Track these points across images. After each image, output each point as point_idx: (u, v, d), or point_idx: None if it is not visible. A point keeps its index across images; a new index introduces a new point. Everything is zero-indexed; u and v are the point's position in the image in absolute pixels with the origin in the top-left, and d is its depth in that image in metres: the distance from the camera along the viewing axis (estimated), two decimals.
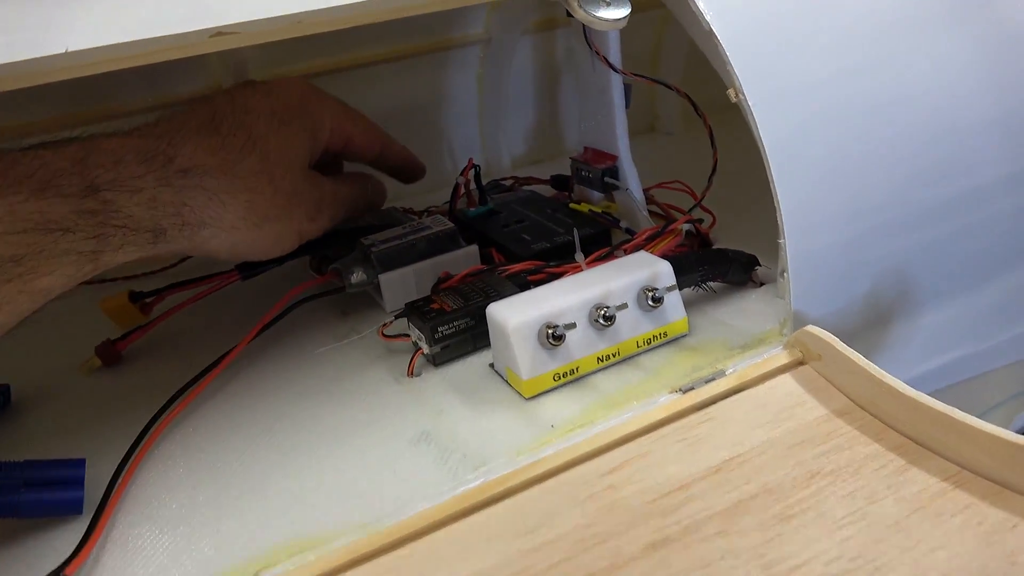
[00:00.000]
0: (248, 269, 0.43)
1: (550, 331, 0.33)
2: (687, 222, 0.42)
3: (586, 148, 0.48)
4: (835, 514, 0.27)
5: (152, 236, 0.33)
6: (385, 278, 0.42)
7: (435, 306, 0.38)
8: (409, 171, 0.48)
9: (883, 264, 0.36)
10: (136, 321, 0.44)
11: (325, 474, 0.32)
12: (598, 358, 0.35)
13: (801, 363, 0.33)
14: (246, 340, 0.39)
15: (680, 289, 0.36)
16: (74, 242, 0.30)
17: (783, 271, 0.36)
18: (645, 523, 0.27)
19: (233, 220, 0.36)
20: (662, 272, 0.35)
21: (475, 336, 0.38)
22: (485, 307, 0.35)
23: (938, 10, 0.38)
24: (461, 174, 0.48)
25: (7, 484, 0.30)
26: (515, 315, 0.33)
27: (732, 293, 0.40)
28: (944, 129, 0.37)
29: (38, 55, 0.26)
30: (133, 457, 0.33)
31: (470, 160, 0.48)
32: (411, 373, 0.37)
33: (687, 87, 0.44)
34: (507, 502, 0.29)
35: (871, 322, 0.37)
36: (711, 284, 0.39)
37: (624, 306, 0.34)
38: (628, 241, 0.41)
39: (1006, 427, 0.27)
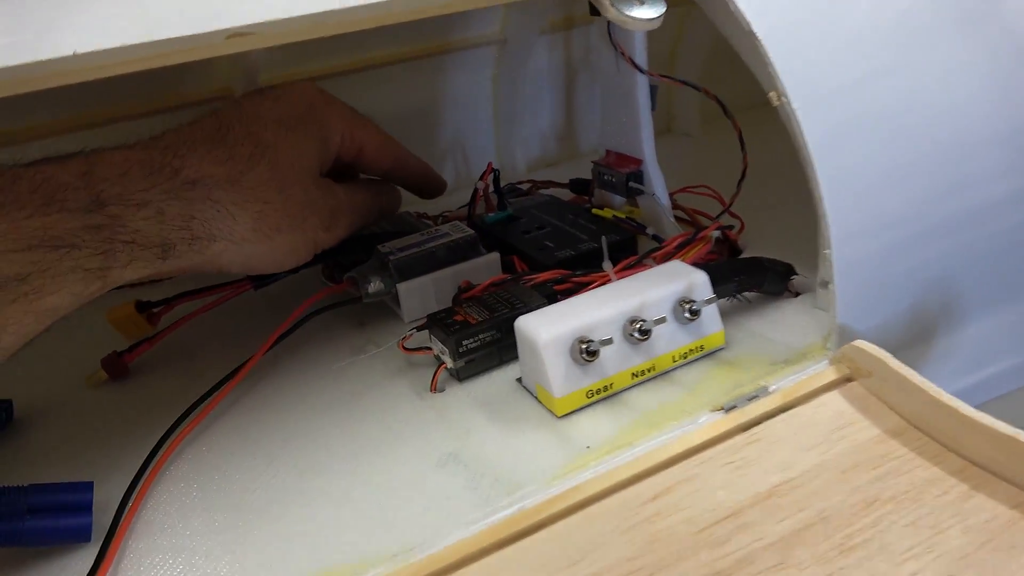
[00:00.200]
0: (260, 278, 0.42)
1: (583, 346, 0.31)
2: (717, 228, 0.41)
3: (608, 151, 0.47)
4: (899, 546, 0.25)
5: (161, 251, 0.31)
6: (404, 287, 0.40)
7: (459, 318, 0.36)
8: (428, 186, 0.47)
9: (928, 273, 0.35)
10: (143, 332, 0.42)
11: (348, 498, 0.30)
12: (632, 374, 0.33)
13: (849, 380, 0.32)
14: (260, 352, 0.37)
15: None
16: (80, 259, 0.29)
17: (825, 281, 0.34)
18: (695, 555, 0.25)
19: (243, 232, 0.34)
20: (699, 283, 0.34)
21: (501, 349, 0.36)
22: (512, 319, 0.34)
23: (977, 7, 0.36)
24: (480, 179, 0.46)
25: (10, 511, 0.28)
26: (546, 329, 0.32)
27: (767, 304, 0.38)
28: (989, 131, 0.35)
29: (42, 58, 0.24)
30: (144, 479, 0.32)
31: (489, 164, 0.46)
32: (434, 389, 0.35)
33: (710, 79, 0.43)
34: (545, 532, 0.27)
35: (915, 335, 0.35)
36: (745, 294, 0.38)
37: (663, 320, 0.32)
38: (657, 249, 0.39)
39: None
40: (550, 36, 0.58)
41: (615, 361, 0.33)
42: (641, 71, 0.42)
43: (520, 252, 0.43)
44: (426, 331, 0.37)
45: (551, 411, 0.33)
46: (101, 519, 0.30)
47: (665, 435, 0.30)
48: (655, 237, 0.43)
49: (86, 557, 0.28)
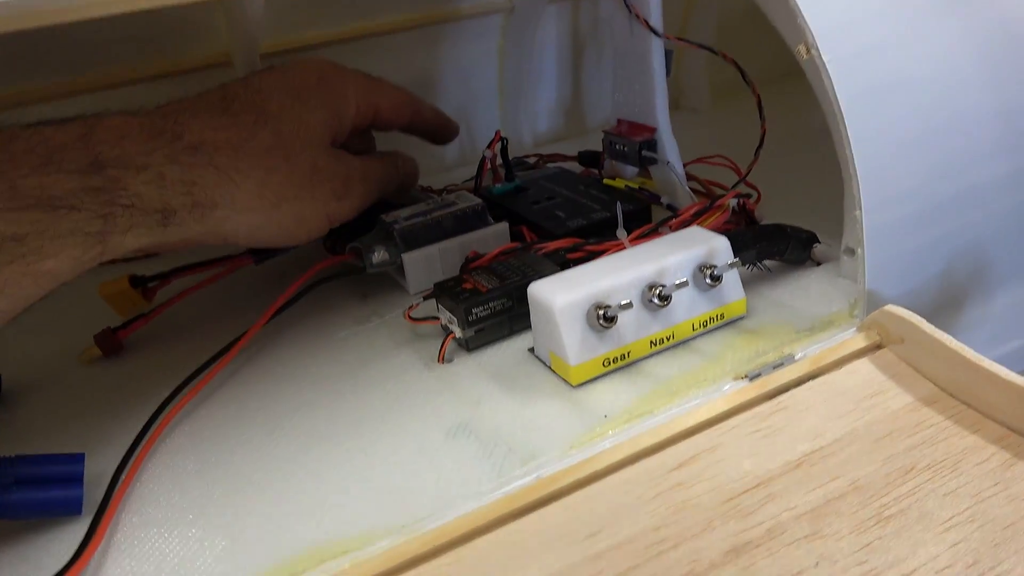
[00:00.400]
0: (261, 252, 0.40)
1: (600, 312, 0.30)
2: (734, 196, 0.39)
3: (620, 120, 0.45)
4: (939, 515, 0.23)
5: (161, 217, 0.30)
6: (409, 257, 0.39)
7: (467, 286, 0.34)
8: (442, 131, 0.46)
9: (959, 240, 0.33)
10: (138, 308, 0.40)
11: (353, 469, 0.28)
12: (651, 342, 0.32)
13: (879, 346, 0.30)
14: (260, 323, 0.36)
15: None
16: (79, 221, 0.28)
17: (851, 249, 0.32)
18: (723, 525, 0.24)
19: (247, 200, 0.33)
20: (720, 248, 0.32)
21: (512, 319, 0.34)
22: (523, 287, 0.32)
23: None
24: (488, 147, 0.45)
25: None
26: (561, 294, 0.30)
27: (789, 273, 0.37)
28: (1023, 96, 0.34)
29: None
30: (138, 451, 0.30)
31: (497, 132, 0.45)
32: (442, 359, 0.34)
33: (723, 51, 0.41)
34: (563, 501, 0.25)
35: (944, 303, 0.34)
36: (766, 263, 0.36)
37: (684, 284, 0.30)
38: (673, 217, 0.38)
39: None
40: (558, 5, 0.56)
41: (633, 329, 0.31)
42: (657, 34, 0.40)
43: (529, 222, 0.41)
44: (433, 301, 0.35)
45: (566, 380, 0.31)
46: (93, 492, 0.28)
47: (687, 403, 0.29)
48: (670, 207, 0.42)
49: (77, 530, 0.27)
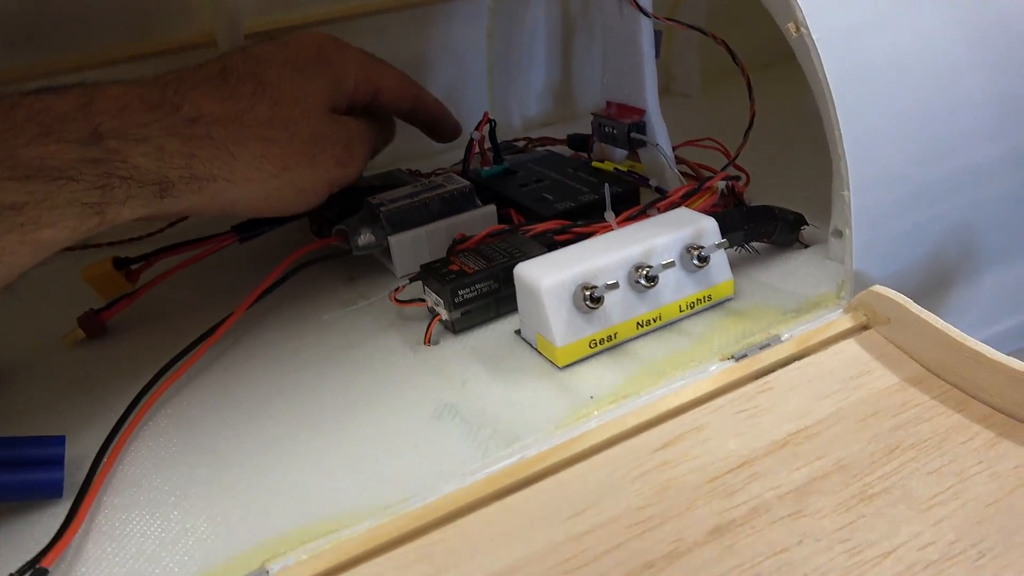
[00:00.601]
0: (245, 230, 0.40)
1: (587, 292, 0.30)
2: (723, 179, 0.39)
3: (609, 103, 0.45)
4: (923, 493, 0.23)
5: (159, 189, 0.30)
6: (395, 240, 0.38)
7: (454, 267, 0.34)
8: (444, 127, 0.45)
9: (947, 220, 0.33)
10: (121, 290, 0.40)
11: (337, 451, 0.28)
12: (637, 323, 0.31)
13: (866, 327, 0.30)
14: (245, 305, 0.35)
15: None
16: (77, 192, 0.28)
17: (839, 230, 0.32)
18: (707, 504, 0.24)
19: (245, 171, 0.33)
20: (707, 229, 0.32)
21: (499, 301, 0.34)
22: (510, 269, 0.32)
23: None
24: (476, 128, 0.44)
25: None
26: (548, 275, 0.30)
27: (777, 255, 0.37)
28: (1016, 77, 0.34)
29: None
30: (120, 434, 0.30)
31: (485, 114, 0.44)
32: (428, 341, 0.34)
33: (708, 41, 0.41)
34: (548, 481, 0.25)
35: (931, 285, 0.34)
36: (754, 245, 0.36)
37: (671, 264, 0.30)
38: (661, 199, 0.38)
39: None
40: None
41: (620, 310, 0.31)
42: (646, 14, 0.40)
43: (517, 205, 0.41)
44: (419, 283, 0.35)
45: (552, 362, 0.31)
46: (74, 475, 0.28)
47: (673, 384, 0.29)
48: (658, 189, 0.42)
49: (58, 513, 0.26)
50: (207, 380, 0.34)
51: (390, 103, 0.41)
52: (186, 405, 0.32)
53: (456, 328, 0.34)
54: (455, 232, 0.39)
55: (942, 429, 0.26)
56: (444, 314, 0.34)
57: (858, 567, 0.21)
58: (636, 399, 0.28)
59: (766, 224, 0.36)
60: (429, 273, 0.34)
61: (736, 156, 0.40)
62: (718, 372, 0.29)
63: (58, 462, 0.28)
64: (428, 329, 0.34)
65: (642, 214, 0.37)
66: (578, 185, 0.42)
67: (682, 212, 0.34)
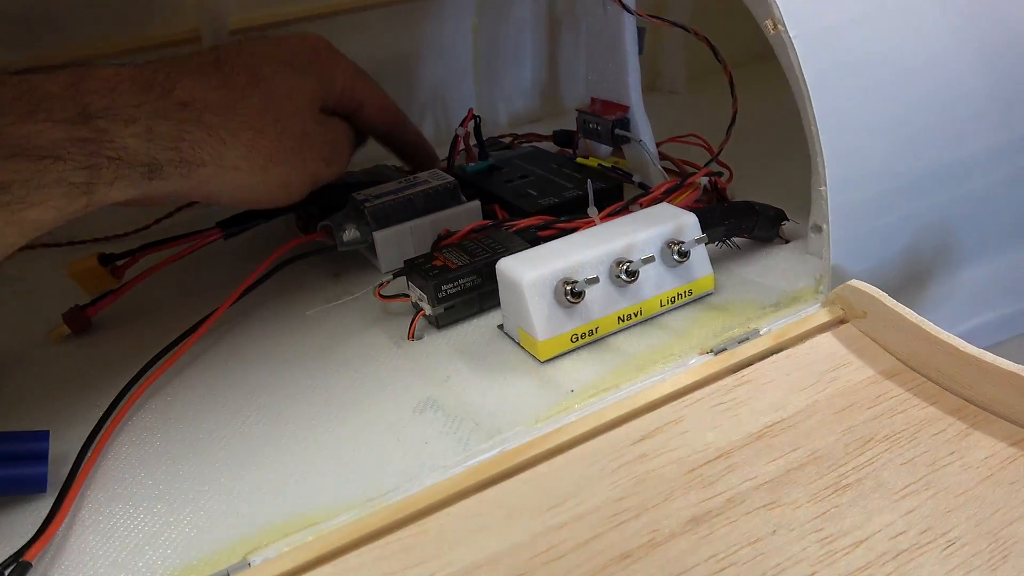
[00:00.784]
0: (231, 226, 0.40)
1: (568, 287, 0.30)
2: (705, 175, 0.39)
3: (593, 99, 0.45)
4: (896, 483, 0.24)
5: (147, 171, 0.30)
6: (380, 236, 0.39)
7: (438, 263, 0.34)
8: (420, 154, 0.46)
9: (924, 217, 0.33)
10: (106, 286, 0.40)
11: (320, 445, 0.28)
12: (619, 318, 0.32)
13: (843, 321, 0.31)
14: (229, 301, 0.35)
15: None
16: (65, 172, 0.27)
17: (818, 226, 0.33)
18: (684, 495, 0.24)
19: (234, 160, 0.33)
20: (688, 224, 0.32)
21: (482, 296, 0.34)
22: (493, 264, 0.32)
23: None
24: (461, 125, 0.44)
25: None
26: (529, 270, 0.30)
27: (757, 250, 0.37)
28: (993, 76, 0.34)
29: None
30: (104, 429, 0.30)
31: (470, 111, 0.44)
32: (412, 336, 0.34)
33: (694, 38, 0.41)
34: (527, 474, 0.26)
35: (909, 279, 0.34)
36: (735, 240, 0.37)
37: (651, 259, 0.30)
38: (643, 195, 0.38)
39: None
40: None
41: (601, 304, 0.31)
42: (629, 11, 0.40)
43: (502, 200, 0.41)
44: (403, 279, 0.35)
45: (534, 356, 0.31)
46: (58, 470, 0.28)
47: (652, 378, 0.29)
48: (641, 185, 0.42)
49: (41, 507, 0.27)
50: (191, 376, 0.34)
51: (370, 120, 0.41)
52: (170, 400, 0.32)
53: (440, 323, 0.34)
54: (439, 228, 0.39)
55: (916, 421, 0.26)
56: (428, 309, 0.34)
57: (830, 556, 0.22)
58: (616, 392, 0.29)
59: (746, 220, 0.36)
60: (413, 269, 0.35)
61: (719, 152, 0.40)
62: (697, 365, 0.29)
63: (42, 457, 0.28)
64: (412, 324, 0.34)
65: (624, 210, 0.37)
66: (562, 181, 0.42)
67: (663, 208, 0.34)
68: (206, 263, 0.41)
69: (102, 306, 0.39)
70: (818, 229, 0.34)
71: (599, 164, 0.44)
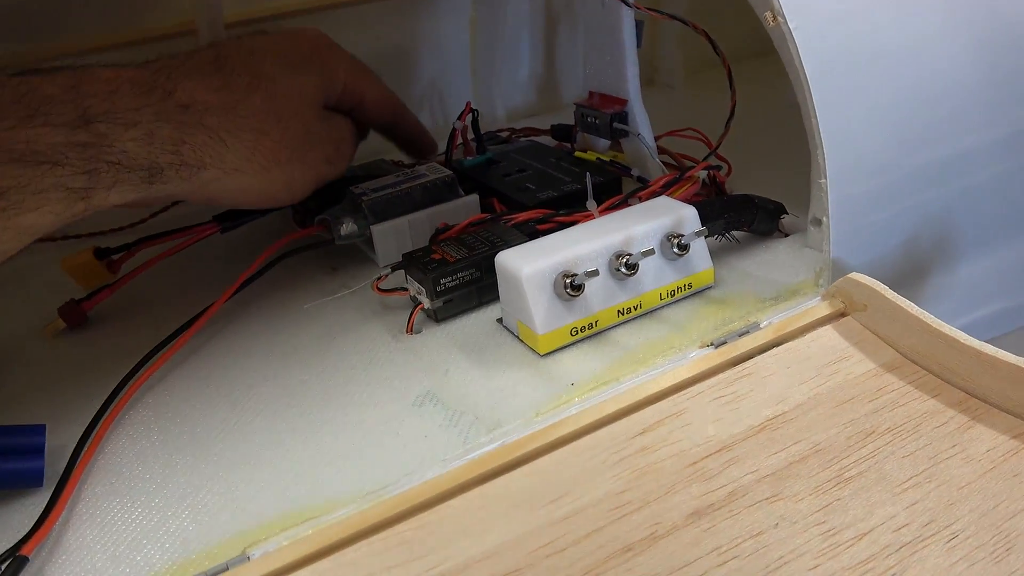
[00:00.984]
0: (228, 220, 0.40)
1: (568, 280, 0.30)
2: (704, 169, 0.39)
3: (591, 93, 0.45)
4: (898, 476, 0.24)
5: (147, 175, 0.30)
6: (378, 229, 0.38)
7: (436, 256, 0.34)
8: (420, 144, 0.46)
9: (924, 210, 0.33)
10: (102, 280, 0.40)
11: (319, 439, 0.28)
12: (618, 311, 0.32)
13: (843, 314, 0.30)
14: (226, 295, 0.35)
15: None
16: (63, 177, 0.27)
17: (818, 219, 0.33)
18: (686, 488, 0.24)
19: (236, 162, 0.33)
20: (687, 217, 0.32)
21: (480, 290, 0.34)
22: (491, 258, 0.32)
23: None
24: (458, 119, 0.44)
25: None
26: (528, 263, 0.30)
27: (757, 243, 0.37)
28: (994, 68, 0.34)
29: None
30: (100, 423, 0.30)
31: (467, 104, 0.44)
32: (410, 330, 0.34)
33: (692, 33, 0.41)
34: (528, 467, 0.25)
35: (908, 273, 0.34)
36: (734, 234, 0.36)
37: (651, 252, 0.30)
38: (642, 189, 0.38)
39: None
40: None
41: (600, 298, 0.31)
42: (627, 4, 0.40)
43: (500, 194, 0.41)
44: (401, 272, 0.35)
45: (534, 349, 0.31)
46: (55, 464, 0.28)
47: (653, 371, 0.29)
48: (640, 179, 0.42)
49: (38, 502, 0.26)
50: (188, 370, 0.33)
51: (371, 113, 0.41)
52: (167, 394, 0.32)
53: (438, 317, 0.34)
54: (437, 221, 0.39)
55: (917, 414, 0.26)
56: (426, 303, 0.34)
57: (833, 549, 0.22)
58: (616, 386, 0.28)
59: (746, 213, 0.36)
60: (411, 262, 0.34)
61: (718, 146, 0.40)
62: (697, 359, 0.29)
63: (38, 451, 0.28)
64: (410, 318, 0.34)
65: (624, 203, 0.37)
66: (561, 175, 0.42)
67: (663, 201, 0.34)
68: (202, 257, 0.41)
69: (98, 300, 0.39)
70: (817, 222, 0.34)
71: (597, 158, 0.44)
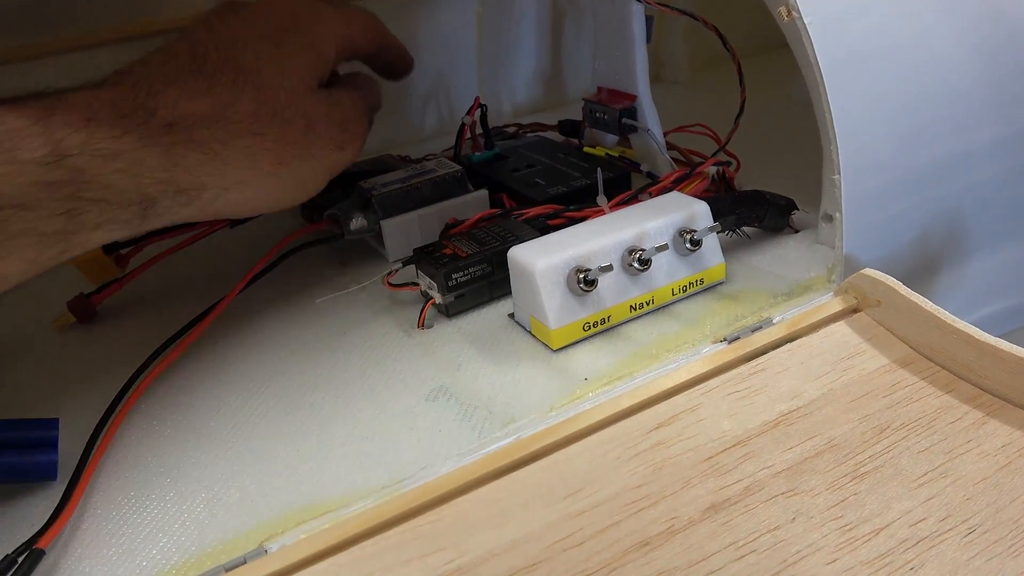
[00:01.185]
0: None
1: (581, 275, 0.30)
2: (714, 164, 0.39)
3: (600, 88, 0.45)
4: (914, 471, 0.24)
5: (139, 209, 0.27)
6: (388, 224, 0.38)
7: (447, 251, 0.34)
8: (402, 63, 0.42)
9: (935, 207, 0.33)
10: (111, 274, 0.39)
11: (332, 433, 0.28)
12: (631, 306, 0.32)
13: (856, 310, 0.30)
14: (236, 290, 0.35)
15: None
16: (33, 221, 0.24)
17: (829, 215, 0.33)
18: (702, 483, 0.24)
19: (238, 174, 0.30)
20: (699, 212, 0.32)
21: (492, 285, 0.34)
22: (503, 252, 0.32)
23: None
24: (467, 113, 0.44)
25: None
26: (542, 258, 0.30)
27: (767, 239, 0.37)
28: (1006, 65, 0.34)
29: None
30: (114, 416, 0.30)
31: (476, 99, 0.44)
32: (422, 325, 0.34)
33: (698, 26, 0.41)
34: (543, 461, 0.25)
35: (920, 268, 0.34)
36: (745, 230, 0.36)
37: (664, 247, 0.30)
38: (653, 184, 0.38)
39: None
40: None
41: (613, 293, 0.31)
42: None
43: (509, 190, 0.41)
44: (411, 267, 0.35)
45: (546, 344, 0.31)
46: (68, 457, 0.28)
47: (666, 366, 0.29)
48: (649, 174, 0.42)
49: (53, 495, 0.26)
50: (200, 364, 0.33)
51: (362, 46, 0.38)
52: (179, 389, 0.32)
53: (450, 312, 0.34)
54: (446, 216, 0.39)
55: (931, 409, 0.26)
56: (438, 298, 0.34)
57: (851, 543, 0.22)
58: (630, 381, 0.28)
59: (757, 209, 0.36)
60: (423, 257, 0.34)
61: (727, 142, 0.40)
62: (710, 354, 0.29)
63: (52, 444, 0.28)
64: (422, 313, 0.34)
65: (634, 199, 0.37)
66: (569, 170, 0.42)
67: (675, 196, 0.34)
68: (211, 251, 0.41)
69: (107, 295, 0.39)
70: (829, 218, 0.34)
71: (606, 153, 0.44)
